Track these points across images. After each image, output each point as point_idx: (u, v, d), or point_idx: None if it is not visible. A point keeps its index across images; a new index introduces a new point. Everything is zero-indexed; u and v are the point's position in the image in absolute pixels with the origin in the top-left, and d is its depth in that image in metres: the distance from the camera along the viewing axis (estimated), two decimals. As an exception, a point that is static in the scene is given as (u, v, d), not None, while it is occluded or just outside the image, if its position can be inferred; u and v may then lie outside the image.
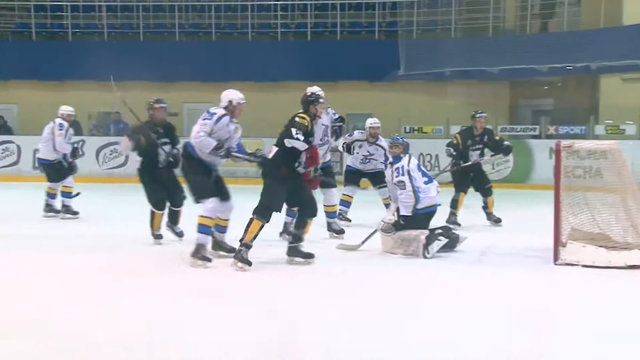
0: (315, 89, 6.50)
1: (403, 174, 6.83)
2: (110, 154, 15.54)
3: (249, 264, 5.88)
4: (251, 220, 5.96)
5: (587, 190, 6.75)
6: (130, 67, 14.11)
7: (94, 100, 15.83)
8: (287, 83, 16.02)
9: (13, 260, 6.44)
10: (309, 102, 6.28)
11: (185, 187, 7.24)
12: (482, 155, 8.84)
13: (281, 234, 7.40)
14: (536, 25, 17.22)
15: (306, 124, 6.06)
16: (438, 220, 7.22)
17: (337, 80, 16.25)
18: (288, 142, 6.00)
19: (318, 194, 6.90)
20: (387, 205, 8.23)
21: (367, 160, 8.78)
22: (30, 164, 15.57)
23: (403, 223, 6.75)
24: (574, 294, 5.39)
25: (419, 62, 15.76)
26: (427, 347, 3.97)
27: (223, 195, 6.32)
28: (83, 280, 5.65)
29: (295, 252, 6.24)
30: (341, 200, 8.65)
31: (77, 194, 9.40)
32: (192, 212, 7.27)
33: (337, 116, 7.76)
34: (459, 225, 8.39)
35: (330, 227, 7.83)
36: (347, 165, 9.12)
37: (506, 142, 9.01)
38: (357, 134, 8.94)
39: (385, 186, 8.00)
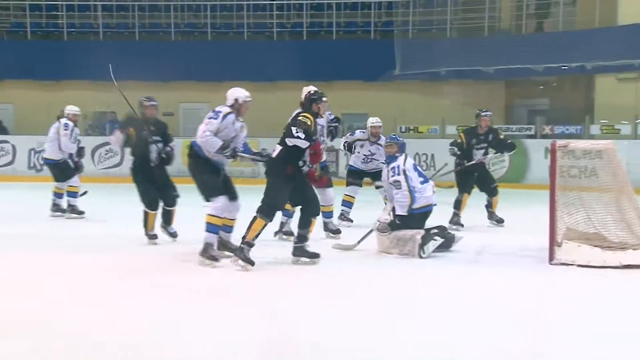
0: (311, 88, 6.52)
1: (399, 174, 6.83)
2: (106, 154, 15.56)
3: (252, 263, 5.85)
4: (254, 218, 5.94)
5: (583, 190, 6.76)
6: (125, 67, 13.96)
7: (90, 100, 15.77)
8: (283, 83, 16.05)
9: (13, 260, 6.41)
10: (312, 101, 6.26)
11: (181, 187, 7.28)
12: (486, 154, 8.70)
13: (276, 233, 7.40)
14: (531, 25, 17.26)
15: (309, 122, 6.02)
16: (440, 220, 7.21)
17: (333, 80, 16.26)
18: (289, 141, 5.99)
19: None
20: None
21: (369, 160, 8.75)
22: (26, 163, 15.59)
23: (399, 223, 6.75)
24: (570, 294, 5.40)
25: (415, 62, 15.77)
26: (423, 347, 3.98)
27: (231, 194, 6.30)
28: (88, 280, 5.64)
29: (301, 252, 6.22)
30: (343, 200, 8.65)
31: (85, 193, 9.42)
32: (186, 212, 7.32)
33: (332, 117, 7.76)
34: (462, 226, 8.34)
35: (326, 227, 7.82)
36: (349, 165, 9.11)
37: (510, 140, 8.92)
38: (358, 134, 8.93)
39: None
